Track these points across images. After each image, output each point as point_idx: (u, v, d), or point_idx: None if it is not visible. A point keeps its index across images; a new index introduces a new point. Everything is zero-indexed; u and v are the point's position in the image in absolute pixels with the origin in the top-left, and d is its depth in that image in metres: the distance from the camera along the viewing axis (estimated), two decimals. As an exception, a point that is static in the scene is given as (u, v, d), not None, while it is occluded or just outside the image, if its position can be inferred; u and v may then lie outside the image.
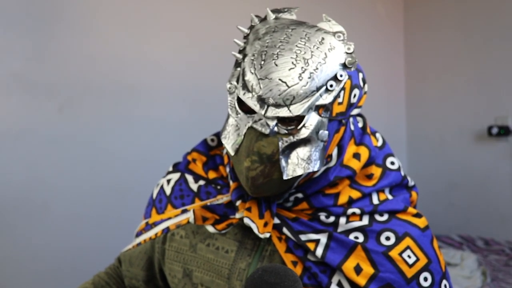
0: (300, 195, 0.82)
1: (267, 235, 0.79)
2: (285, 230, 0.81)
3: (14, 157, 1.84)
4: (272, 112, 0.71)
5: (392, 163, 0.89)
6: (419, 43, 3.13)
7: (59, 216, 1.93)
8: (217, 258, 0.86)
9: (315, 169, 0.75)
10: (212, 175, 0.94)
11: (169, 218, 0.93)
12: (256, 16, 0.79)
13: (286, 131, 0.73)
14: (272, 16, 0.79)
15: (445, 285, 0.82)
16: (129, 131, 2.11)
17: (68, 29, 1.96)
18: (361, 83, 0.82)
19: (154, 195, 0.99)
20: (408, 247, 0.80)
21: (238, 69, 0.76)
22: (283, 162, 0.73)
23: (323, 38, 0.74)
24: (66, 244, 1.93)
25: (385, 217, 0.83)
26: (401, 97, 3.20)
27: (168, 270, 0.92)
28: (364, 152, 0.85)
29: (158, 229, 0.94)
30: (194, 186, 0.94)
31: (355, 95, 0.80)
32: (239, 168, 0.76)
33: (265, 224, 0.80)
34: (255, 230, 0.78)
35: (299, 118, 0.73)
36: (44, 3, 1.91)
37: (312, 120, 0.73)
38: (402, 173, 0.90)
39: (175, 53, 2.24)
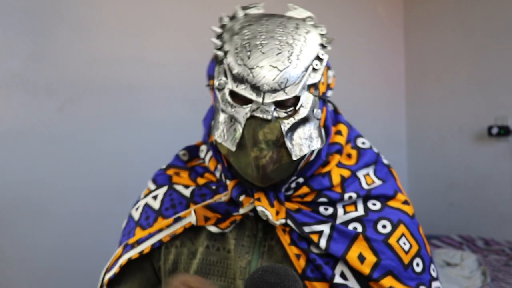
0: (301, 179, 0.83)
1: (283, 221, 0.80)
2: (289, 221, 0.82)
3: (14, 157, 1.84)
4: (270, 97, 0.73)
5: (363, 143, 0.93)
6: (419, 43, 3.13)
7: (59, 216, 1.93)
8: (220, 259, 0.85)
9: (319, 146, 0.79)
10: (201, 181, 0.92)
11: (160, 231, 0.88)
12: (226, 15, 0.82)
13: (286, 114, 0.75)
14: (241, 13, 0.82)
15: (433, 269, 0.87)
16: (129, 131, 2.11)
17: (68, 29, 1.96)
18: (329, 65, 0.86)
19: (137, 217, 0.93)
20: (403, 235, 0.83)
21: (222, 66, 0.77)
22: (289, 144, 0.75)
23: (297, 24, 0.79)
24: (66, 244, 1.93)
25: (378, 205, 0.86)
26: (401, 97, 3.19)
27: (166, 284, 0.89)
28: (343, 129, 0.90)
29: (144, 245, 0.88)
30: (186, 192, 0.91)
31: (329, 76, 0.84)
32: (245, 161, 0.76)
33: (277, 213, 0.81)
34: (270, 217, 0.79)
35: (294, 100, 0.76)
36: (44, 3, 1.91)
37: (307, 99, 0.77)
38: (376, 150, 0.93)
39: (175, 53, 2.24)
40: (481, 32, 2.78)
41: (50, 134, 1.91)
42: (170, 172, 0.96)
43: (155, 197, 0.93)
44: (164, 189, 0.93)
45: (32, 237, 1.87)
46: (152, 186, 0.96)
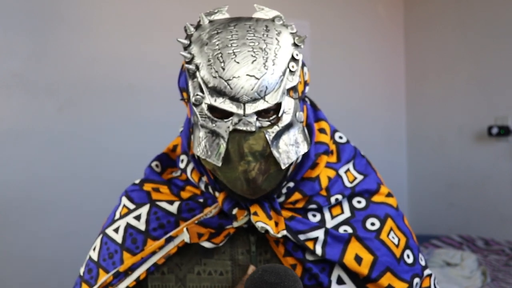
0: (291, 183, 0.82)
1: (284, 232, 0.78)
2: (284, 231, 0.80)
3: (14, 157, 1.84)
4: (251, 108, 0.71)
5: (340, 137, 0.92)
6: (419, 43, 3.12)
7: (59, 216, 1.93)
8: (214, 284, 0.82)
9: (306, 150, 0.77)
10: (185, 195, 0.88)
11: (153, 254, 0.83)
12: (191, 24, 0.78)
13: (269, 122, 0.73)
14: (206, 20, 0.78)
15: (421, 258, 0.87)
16: (129, 131, 2.11)
17: (68, 29, 1.96)
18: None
19: (119, 240, 0.87)
20: (391, 229, 0.84)
21: (196, 80, 0.73)
22: (276, 153, 0.73)
23: (266, 26, 0.75)
24: (66, 243, 1.93)
25: (363, 203, 0.85)
26: (401, 97, 3.19)
27: None
28: (325, 126, 0.88)
29: (139, 271, 0.83)
30: (172, 208, 0.86)
31: (305, 73, 0.81)
32: (233, 175, 0.73)
33: (276, 224, 0.79)
34: (271, 231, 0.77)
35: (276, 107, 0.73)
36: (44, 3, 1.91)
37: (289, 104, 0.74)
38: (353, 144, 0.92)
39: (175, 53, 2.24)
40: (481, 32, 2.78)
41: (50, 134, 1.91)
42: (147, 187, 0.91)
43: (137, 217, 0.87)
44: (146, 207, 0.88)
45: (32, 236, 1.87)
46: (129, 205, 0.91)
